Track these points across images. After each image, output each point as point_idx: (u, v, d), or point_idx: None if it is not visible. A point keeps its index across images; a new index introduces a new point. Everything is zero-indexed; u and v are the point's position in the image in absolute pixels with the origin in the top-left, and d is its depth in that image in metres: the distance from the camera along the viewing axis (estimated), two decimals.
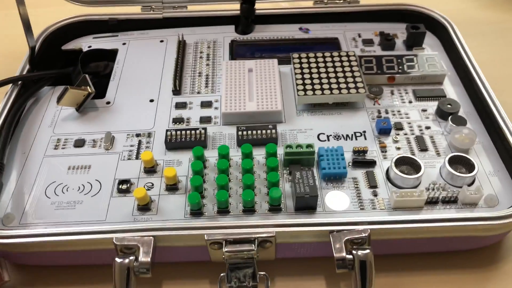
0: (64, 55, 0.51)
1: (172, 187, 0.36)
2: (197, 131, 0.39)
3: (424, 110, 0.41)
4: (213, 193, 0.35)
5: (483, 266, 0.35)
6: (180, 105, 0.42)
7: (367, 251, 0.30)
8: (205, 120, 0.41)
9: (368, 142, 0.39)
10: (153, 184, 0.36)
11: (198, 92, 0.44)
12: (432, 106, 0.42)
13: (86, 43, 0.51)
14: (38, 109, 0.43)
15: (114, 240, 0.31)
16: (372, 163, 0.37)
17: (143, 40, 0.51)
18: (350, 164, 0.37)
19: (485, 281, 0.34)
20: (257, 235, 0.31)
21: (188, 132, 0.39)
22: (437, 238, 0.33)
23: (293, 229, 0.31)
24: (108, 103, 0.43)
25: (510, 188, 0.35)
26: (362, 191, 0.35)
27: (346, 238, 0.31)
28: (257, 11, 0.50)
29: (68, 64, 0.49)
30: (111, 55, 0.49)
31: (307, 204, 0.33)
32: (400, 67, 0.44)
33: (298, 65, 0.43)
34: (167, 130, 0.39)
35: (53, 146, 0.39)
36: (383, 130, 0.39)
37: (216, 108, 0.42)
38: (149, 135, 0.40)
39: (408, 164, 0.36)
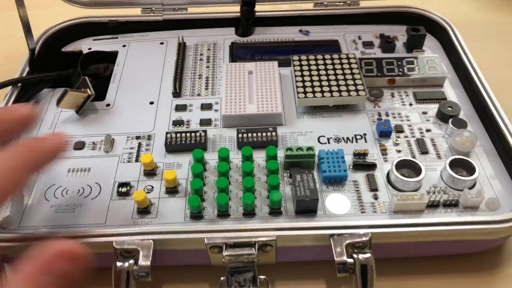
0: (64, 57, 0.50)
1: (172, 190, 0.35)
2: (197, 134, 0.39)
3: (424, 113, 0.41)
4: (213, 196, 0.35)
5: (484, 270, 0.34)
6: (180, 108, 0.42)
7: (368, 255, 0.30)
8: (205, 122, 0.41)
9: (368, 145, 0.38)
10: (153, 187, 0.36)
11: (198, 94, 0.44)
12: (432, 108, 0.41)
13: (86, 45, 0.51)
14: (38, 112, 0.43)
15: (114, 244, 0.31)
16: (372, 166, 0.37)
17: (143, 42, 0.51)
18: (351, 167, 0.37)
19: (486, 285, 0.34)
20: (258, 239, 0.31)
21: (188, 134, 0.38)
22: (438, 242, 0.33)
23: (294, 232, 0.31)
24: (108, 105, 0.43)
25: (511, 191, 0.35)
26: (363, 194, 0.35)
27: (347, 242, 0.31)
28: (257, 13, 0.50)
29: (68, 66, 0.49)
30: (111, 57, 0.49)
31: (307, 207, 0.33)
32: (401, 69, 0.44)
33: (298, 68, 0.43)
34: (167, 133, 0.39)
35: None
36: (384, 133, 0.39)
37: (216, 110, 0.42)
38: (149, 137, 0.40)
39: (409, 167, 0.36)
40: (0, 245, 0.31)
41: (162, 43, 0.50)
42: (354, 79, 0.42)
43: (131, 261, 0.30)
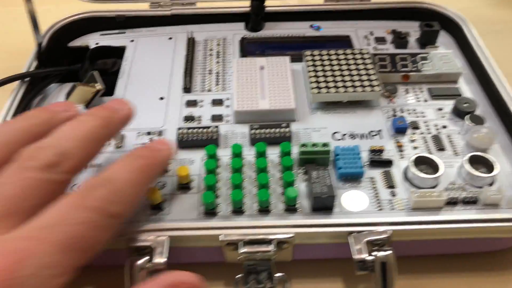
0: (70, 52, 0.50)
1: (185, 186, 0.35)
2: (210, 129, 0.38)
3: (440, 109, 0.40)
4: (226, 193, 0.34)
5: (504, 269, 0.34)
6: (191, 103, 0.42)
7: (389, 252, 0.30)
8: (217, 118, 0.40)
9: (384, 142, 0.38)
10: (165, 184, 0.35)
11: (209, 90, 0.43)
12: (448, 105, 0.41)
13: (93, 40, 0.50)
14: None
15: (127, 241, 0.30)
16: (389, 163, 0.36)
17: (151, 37, 0.50)
18: (367, 163, 0.36)
19: (507, 284, 0.33)
20: (275, 236, 0.30)
21: (200, 130, 0.38)
22: (458, 240, 0.32)
23: (312, 229, 0.31)
24: None
25: None
26: (380, 191, 0.34)
27: (367, 239, 0.30)
28: (267, 8, 0.50)
29: (74, 62, 0.48)
30: (118, 52, 0.48)
31: (324, 204, 0.33)
32: (415, 65, 0.43)
33: (311, 63, 0.42)
34: (179, 128, 0.38)
35: None
36: (399, 129, 0.38)
37: (227, 106, 0.41)
38: (160, 133, 0.39)
39: (426, 164, 0.35)
40: None
41: (170, 38, 0.49)
42: (368, 74, 0.41)
43: (146, 258, 0.29)
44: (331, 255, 0.34)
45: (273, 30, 0.50)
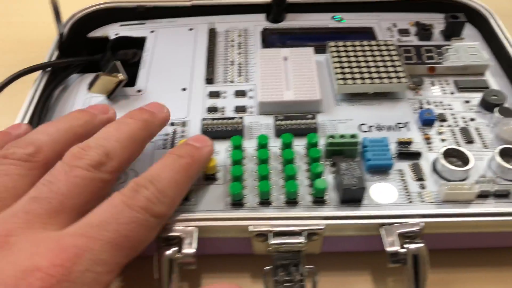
0: (89, 43, 0.49)
1: (211, 177, 0.34)
2: (235, 120, 0.37)
3: (467, 102, 0.40)
4: (252, 184, 0.34)
5: None
6: (214, 94, 0.41)
7: (421, 244, 0.29)
8: (240, 109, 0.40)
9: (411, 134, 0.37)
10: None
11: (231, 81, 0.43)
12: (475, 97, 0.40)
13: (113, 30, 0.49)
14: (67, 97, 0.42)
15: None
16: (418, 155, 0.35)
17: (171, 28, 0.49)
18: (395, 155, 0.35)
19: None
20: (305, 228, 0.30)
21: (225, 121, 0.37)
22: (489, 233, 0.32)
23: (343, 221, 0.30)
24: (139, 91, 0.42)
25: None
26: (409, 184, 0.34)
27: (399, 231, 0.29)
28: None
29: (93, 52, 0.48)
30: (139, 43, 0.48)
31: (353, 196, 0.32)
32: (441, 57, 0.42)
33: (336, 54, 0.42)
34: (203, 119, 0.38)
35: None
36: (427, 121, 0.38)
37: (250, 97, 0.41)
38: (184, 124, 0.39)
39: (455, 156, 0.34)
40: None
41: (191, 29, 0.49)
42: (394, 66, 0.40)
43: (175, 249, 0.29)
44: (358, 248, 0.33)
45: (294, 21, 0.49)
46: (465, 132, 0.37)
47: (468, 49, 0.43)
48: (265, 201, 0.33)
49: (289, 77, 0.40)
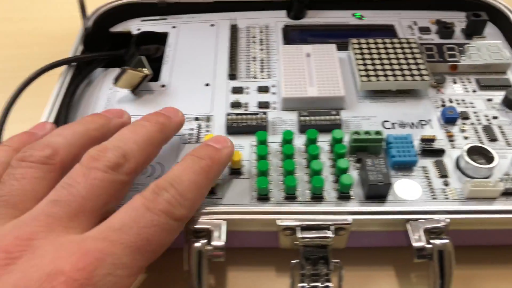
0: (111, 38, 0.50)
1: (236, 172, 0.35)
2: (259, 116, 0.38)
3: (489, 100, 0.40)
4: (277, 179, 0.34)
5: None
6: (237, 90, 0.42)
7: (447, 241, 0.29)
8: (263, 105, 0.40)
9: (434, 131, 0.37)
10: None
11: (254, 77, 0.43)
12: (497, 95, 0.40)
13: (134, 25, 0.50)
14: (92, 92, 0.43)
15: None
16: (441, 152, 0.36)
17: (193, 24, 0.50)
18: (419, 152, 0.36)
19: None
20: (333, 222, 0.30)
21: (249, 116, 0.38)
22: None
23: (370, 216, 0.30)
24: (163, 86, 0.42)
25: None
26: (433, 181, 0.34)
27: (425, 227, 0.30)
28: None
29: (114, 47, 0.48)
30: (161, 38, 0.48)
31: (379, 192, 0.32)
32: (463, 55, 0.43)
33: (359, 51, 0.42)
34: (227, 114, 0.38)
35: None
36: (450, 119, 0.38)
37: (273, 93, 0.41)
38: (208, 119, 0.39)
39: (479, 154, 0.35)
40: None
41: (212, 25, 0.49)
42: (417, 63, 0.40)
43: (204, 241, 0.29)
44: (381, 244, 0.34)
45: (315, 18, 0.50)
46: (488, 130, 0.37)
47: (490, 47, 0.43)
48: (290, 196, 0.33)
49: (312, 73, 0.41)
